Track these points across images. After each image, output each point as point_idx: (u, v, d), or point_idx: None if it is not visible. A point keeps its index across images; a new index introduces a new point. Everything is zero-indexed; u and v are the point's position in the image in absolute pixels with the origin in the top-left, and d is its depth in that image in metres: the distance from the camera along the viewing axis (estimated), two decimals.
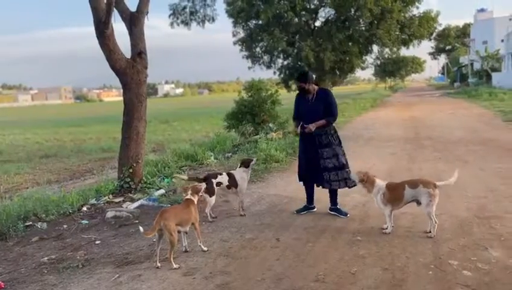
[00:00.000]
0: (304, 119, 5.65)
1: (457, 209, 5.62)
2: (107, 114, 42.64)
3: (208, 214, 5.68)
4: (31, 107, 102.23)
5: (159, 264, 4.24)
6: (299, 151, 5.98)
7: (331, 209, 5.75)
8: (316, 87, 5.68)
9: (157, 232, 4.20)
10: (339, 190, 5.70)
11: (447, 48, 79.12)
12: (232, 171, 6.03)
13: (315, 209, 5.90)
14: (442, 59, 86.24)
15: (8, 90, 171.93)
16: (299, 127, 5.66)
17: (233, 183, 5.84)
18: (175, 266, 4.19)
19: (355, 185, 5.47)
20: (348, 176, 5.51)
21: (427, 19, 26.19)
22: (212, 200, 5.66)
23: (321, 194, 5.91)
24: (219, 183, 5.74)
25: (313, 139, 5.59)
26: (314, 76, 5.89)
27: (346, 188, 5.61)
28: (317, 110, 5.55)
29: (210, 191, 5.59)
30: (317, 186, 5.79)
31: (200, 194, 4.89)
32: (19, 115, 56.69)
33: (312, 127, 5.47)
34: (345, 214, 5.62)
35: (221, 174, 5.90)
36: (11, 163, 14.37)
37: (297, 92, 5.89)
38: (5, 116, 56.35)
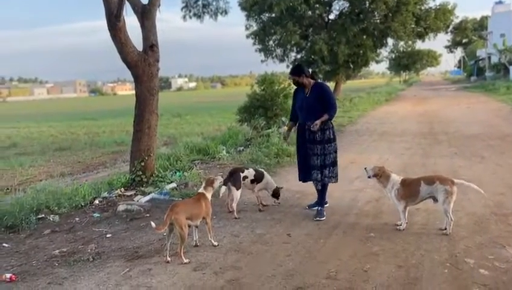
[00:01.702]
0: (300, 114, 5.59)
1: (473, 206, 5.49)
2: (120, 107, 42.94)
3: (234, 209, 5.52)
4: (46, 101, 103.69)
5: (169, 259, 4.21)
6: (296, 149, 5.87)
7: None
8: (312, 81, 5.52)
9: (167, 227, 4.16)
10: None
11: (464, 41, 77.68)
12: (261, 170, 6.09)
13: (327, 205, 5.80)
14: (459, 52, 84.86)
15: (24, 84, 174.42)
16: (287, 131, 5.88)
17: (259, 177, 5.81)
18: (185, 260, 4.15)
19: (324, 184, 5.43)
20: (327, 175, 5.41)
21: (444, 12, 25.71)
22: (238, 194, 5.56)
23: (333, 189, 5.82)
24: (245, 178, 5.69)
25: (306, 135, 5.48)
26: (310, 70, 5.73)
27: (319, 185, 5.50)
28: (313, 105, 5.40)
29: (236, 185, 5.53)
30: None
31: (218, 186, 4.83)
32: (34, 109, 57.46)
33: (318, 124, 5.25)
34: (319, 215, 5.41)
35: (247, 168, 5.88)
36: (26, 155, 14.57)
37: (295, 87, 5.78)
38: (20, 109, 57.20)
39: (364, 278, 3.72)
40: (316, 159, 5.43)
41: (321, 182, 5.47)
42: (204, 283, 3.76)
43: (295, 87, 5.80)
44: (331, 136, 5.46)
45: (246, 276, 3.86)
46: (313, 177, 5.50)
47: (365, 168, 5.09)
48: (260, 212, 5.74)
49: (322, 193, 5.54)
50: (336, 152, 5.52)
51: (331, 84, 30.32)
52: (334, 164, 5.49)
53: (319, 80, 5.73)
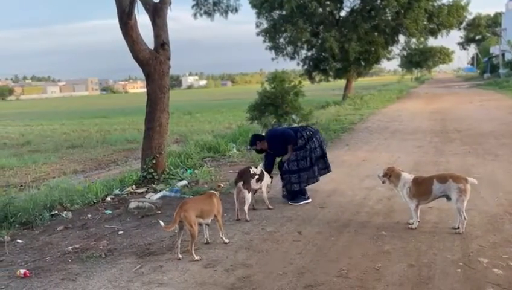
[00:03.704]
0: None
1: (487, 204, 5.41)
2: (131, 105, 43.23)
3: (246, 211, 5.37)
4: (59, 99, 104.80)
5: (180, 256, 4.23)
6: None
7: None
8: (264, 141, 6.07)
9: (177, 224, 4.18)
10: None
11: (477, 37, 76.55)
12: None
13: (308, 201, 5.96)
14: (472, 49, 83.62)
15: (37, 82, 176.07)
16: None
17: (261, 175, 5.77)
18: (196, 257, 4.17)
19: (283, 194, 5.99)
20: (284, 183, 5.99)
21: (457, 8, 25.37)
22: (250, 196, 5.48)
23: (344, 187, 5.80)
24: (253, 175, 5.64)
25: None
26: (261, 133, 6.63)
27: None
28: (280, 151, 6.09)
29: (248, 187, 5.45)
30: None
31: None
32: (47, 106, 58.09)
33: (288, 156, 5.96)
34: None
35: (251, 167, 5.84)
36: (39, 153, 14.76)
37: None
38: (34, 107, 57.89)
39: (376, 276, 3.70)
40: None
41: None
42: (215, 280, 3.77)
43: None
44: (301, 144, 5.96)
45: (256, 273, 3.86)
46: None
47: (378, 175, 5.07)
48: (270, 210, 5.72)
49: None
50: (299, 160, 5.91)
51: (341, 82, 30.24)
52: (292, 171, 5.91)
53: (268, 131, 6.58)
